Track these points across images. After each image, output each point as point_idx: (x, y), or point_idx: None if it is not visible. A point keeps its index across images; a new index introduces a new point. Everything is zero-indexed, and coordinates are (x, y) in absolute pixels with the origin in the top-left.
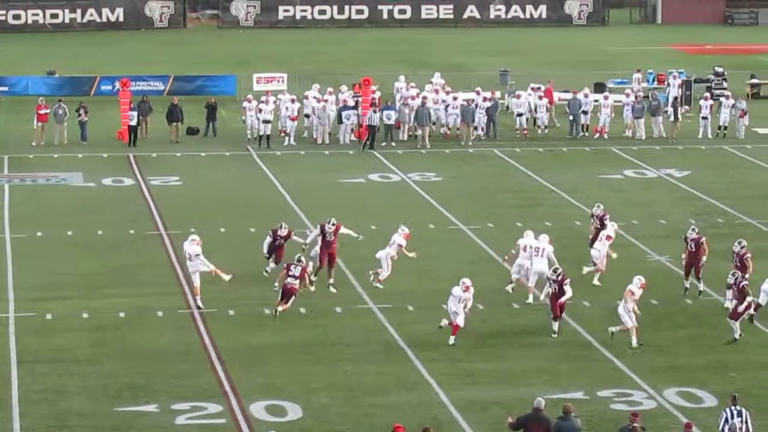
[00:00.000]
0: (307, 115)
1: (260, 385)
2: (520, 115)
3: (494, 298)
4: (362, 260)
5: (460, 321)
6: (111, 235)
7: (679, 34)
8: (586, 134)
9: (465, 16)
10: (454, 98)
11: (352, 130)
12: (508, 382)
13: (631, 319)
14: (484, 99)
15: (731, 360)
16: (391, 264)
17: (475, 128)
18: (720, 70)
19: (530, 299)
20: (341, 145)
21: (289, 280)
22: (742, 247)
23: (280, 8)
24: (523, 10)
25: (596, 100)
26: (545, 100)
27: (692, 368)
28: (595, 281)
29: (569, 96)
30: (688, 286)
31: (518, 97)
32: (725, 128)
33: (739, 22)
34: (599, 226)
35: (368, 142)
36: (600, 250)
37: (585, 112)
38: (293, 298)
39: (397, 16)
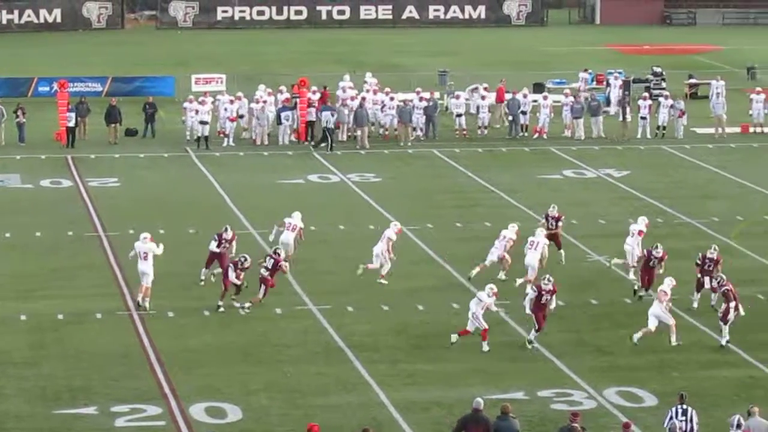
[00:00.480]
0: (242, 116)
1: (200, 386)
2: (459, 115)
3: (434, 298)
4: (300, 262)
5: (484, 324)
6: (49, 237)
7: (617, 35)
8: (526, 134)
9: (404, 16)
10: (391, 98)
11: (293, 131)
12: (449, 383)
13: (669, 318)
14: (420, 99)
15: (671, 360)
16: (387, 258)
17: (414, 129)
18: (658, 70)
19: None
20: (280, 146)
21: (262, 271)
22: (717, 253)
23: (219, 9)
24: (462, 11)
25: (535, 101)
26: (487, 101)
27: (632, 368)
28: (631, 275)
29: (508, 96)
30: (637, 288)
31: (457, 97)
32: (664, 128)
33: (678, 23)
34: (553, 228)
35: (329, 144)
36: (632, 245)
37: (524, 113)
38: (263, 288)
39: (335, 16)
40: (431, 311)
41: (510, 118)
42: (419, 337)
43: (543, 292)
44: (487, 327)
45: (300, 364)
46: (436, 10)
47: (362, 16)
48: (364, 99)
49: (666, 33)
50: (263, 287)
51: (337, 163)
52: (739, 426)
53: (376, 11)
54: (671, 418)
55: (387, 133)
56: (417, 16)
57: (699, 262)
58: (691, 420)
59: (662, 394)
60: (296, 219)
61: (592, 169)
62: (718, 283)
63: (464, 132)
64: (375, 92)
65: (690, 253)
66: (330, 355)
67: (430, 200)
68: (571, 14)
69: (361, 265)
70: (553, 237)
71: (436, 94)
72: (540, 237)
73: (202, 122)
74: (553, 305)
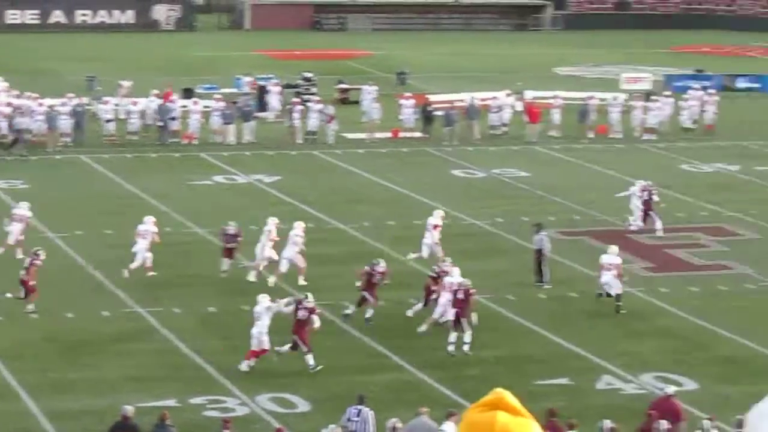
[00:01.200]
0: None
1: None
2: (108, 121)
3: (84, 305)
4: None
5: (267, 345)
6: None
7: (268, 40)
8: (176, 140)
9: (51, 21)
10: (39, 104)
11: None
12: (99, 391)
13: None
14: (63, 104)
15: (325, 365)
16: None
17: (62, 135)
18: (308, 75)
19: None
20: None
21: (21, 273)
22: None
23: None
24: (110, 15)
25: (185, 106)
26: (138, 106)
27: (285, 374)
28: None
29: (159, 101)
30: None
31: (106, 103)
32: (314, 133)
33: (328, 28)
34: (232, 244)
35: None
36: (430, 239)
37: (174, 118)
38: (27, 291)
39: None
40: (81, 318)
41: (159, 123)
42: (69, 344)
43: (300, 307)
44: (267, 348)
45: None
46: (83, 15)
47: (8, 21)
48: (11, 104)
49: (317, 38)
50: (24, 289)
51: None
52: (395, 430)
53: (22, 15)
54: (349, 419)
55: (35, 138)
56: (65, 21)
57: (434, 275)
58: (366, 421)
59: (315, 400)
60: (23, 209)
61: (243, 174)
62: (459, 286)
63: (113, 138)
64: (23, 97)
65: (343, 258)
66: None
67: (78, 207)
68: (220, 19)
69: (124, 270)
70: (230, 253)
71: (85, 100)
72: (297, 230)
73: None
74: (316, 324)
